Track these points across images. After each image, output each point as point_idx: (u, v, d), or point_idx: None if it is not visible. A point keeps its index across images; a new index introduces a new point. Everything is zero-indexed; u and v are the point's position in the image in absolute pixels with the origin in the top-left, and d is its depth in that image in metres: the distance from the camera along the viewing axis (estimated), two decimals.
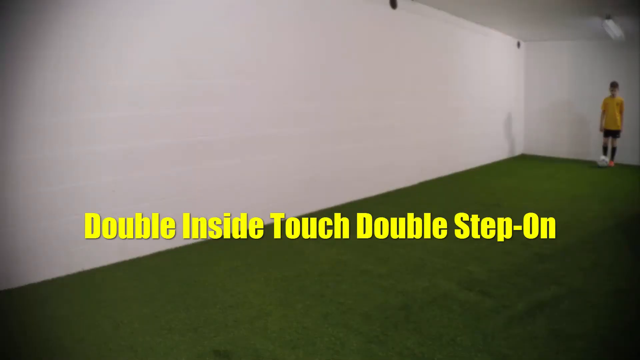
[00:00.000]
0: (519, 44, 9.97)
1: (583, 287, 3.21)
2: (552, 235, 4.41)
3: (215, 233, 4.33)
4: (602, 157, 8.74)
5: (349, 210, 5.40)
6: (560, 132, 9.95)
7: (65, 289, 3.17)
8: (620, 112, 8.51)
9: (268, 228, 4.65)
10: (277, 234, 4.45)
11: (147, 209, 3.85)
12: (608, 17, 6.88)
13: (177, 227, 4.05)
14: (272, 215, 4.83)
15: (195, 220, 4.17)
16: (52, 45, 3.23)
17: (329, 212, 5.28)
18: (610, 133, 8.67)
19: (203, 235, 4.24)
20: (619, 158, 8.94)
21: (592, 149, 9.46)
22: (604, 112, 8.64)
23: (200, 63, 4.11)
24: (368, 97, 5.91)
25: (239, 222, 4.52)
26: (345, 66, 5.54)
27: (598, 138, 9.25)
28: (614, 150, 8.79)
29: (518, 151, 10.43)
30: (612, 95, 8.44)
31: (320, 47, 5.21)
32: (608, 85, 8.60)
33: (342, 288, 3.21)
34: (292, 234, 4.46)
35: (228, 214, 4.43)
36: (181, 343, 2.49)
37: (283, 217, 4.93)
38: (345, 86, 5.57)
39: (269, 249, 4.01)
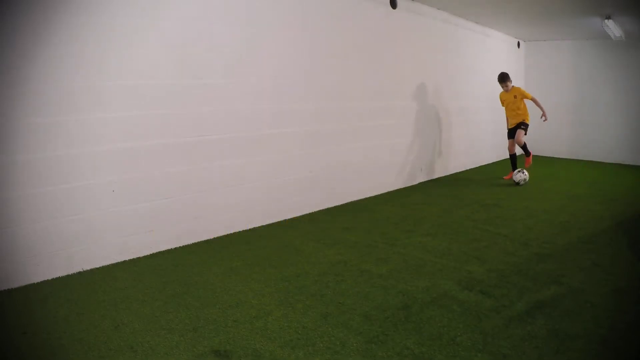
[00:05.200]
0: (519, 44, 9.97)
1: (583, 286, 3.21)
2: (552, 235, 4.42)
3: (215, 233, 4.33)
4: (517, 172, 6.89)
5: (349, 210, 5.40)
6: (560, 132, 9.95)
7: (65, 289, 3.17)
8: (525, 98, 6.85)
9: (268, 228, 4.65)
10: (276, 234, 4.45)
11: (147, 209, 3.85)
12: (608, 17, 6.88)
13: (177, 227, 4.06)
14: (272, 215, 4.83)
15: (195, 220, 4.17)
16: (53, 44, 3.23)
17: (328, 212, 5.28)
18: (514, 130, 7.03)
19: (203, 235, 4.24)
20: (619, 157, 8.92)
21: (592, 149, 9.46)
22: (504, 109, 7.23)
23: (201, 63, 4.11)
24: (368, 97, 5.91)
25: (239, 221, 4.52)
26: (345, 66, 5.54)
27: (598, 138, 9.26)
28: (523, 148, 7.14)
29: (518, 151, 10.40)
30: (506, 90, 6.94)
31: (320, 47, 5.21)
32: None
33: (342, 288, 3.21)
34: (292, 234, 4.46)
35: (228, 214, 4.43)
36: (181, 343, 2.50)
37: (283, 217, 4.94)
38: (345, 86, 5.57)
39: (268, 249, 4.01)
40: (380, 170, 6.23)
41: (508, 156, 7.43)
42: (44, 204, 3.28)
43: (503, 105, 7.21)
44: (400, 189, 6.56)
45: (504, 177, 7.35)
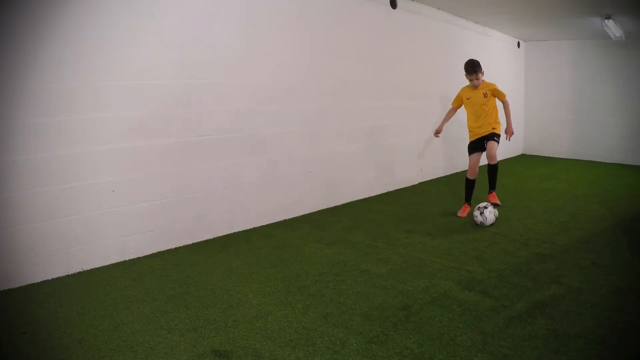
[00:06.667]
0: (519, 44, 9.97)
1: (583, 286, 3.21)
2: (552, 235, 4.41)
3: (215, 233, 4.33)
4: (483, 208, 4.60)
5: (349, 210, 5.40)
6: (560, 132, 9.95)
7: (65, 289, 3.17)
8: (497, 97, 5.08)
9: (268, 228, 4.65)
10: (276, 234, 4.45)
11: (147, 209, 3.85)
12: (608, 17, 6.88)
13: (178, 227, 4.06)
14: (272, 215, 4.83)
15: (195, 220, 4.17)
16: (53, 44, 3.23)
17: (328, 212, 5.28)
18: (481, 142, 5.11)
19: (203, 235, 4.24)
20: (619, 157, 8.89)
21: (592, 149, 9.45)
22: (454, 109, 5.41)
23: (201, 63, 4.11)
24: (368, 97, 5.91)
25: (239, 221, 4.52)
26: (345, 66, 5.54)
27: (598, 138, 9.23)
28: (492, 172, 5.21)
29: (518, 151, 10.43)
30: (474, 85, 5.07)
31: (320, 47, 5.21)
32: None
33: (342, 288, 3.21)
34: (292, 234, 4.46)
35: (228, 214, 4.43)
36: (181, 343, 2.50)
37: (283, 217, 4.93)
38: (345, 86, 5.57)
39: (268, 249, 4.01)
40: (380, 170, 6.23)
41: (466, 180, 5.19)
42: (44, 204, 3.28)
43: (457, 106, 5.34)
44: (400, 188, 6.56)
45: (457, 215, 5.05)
